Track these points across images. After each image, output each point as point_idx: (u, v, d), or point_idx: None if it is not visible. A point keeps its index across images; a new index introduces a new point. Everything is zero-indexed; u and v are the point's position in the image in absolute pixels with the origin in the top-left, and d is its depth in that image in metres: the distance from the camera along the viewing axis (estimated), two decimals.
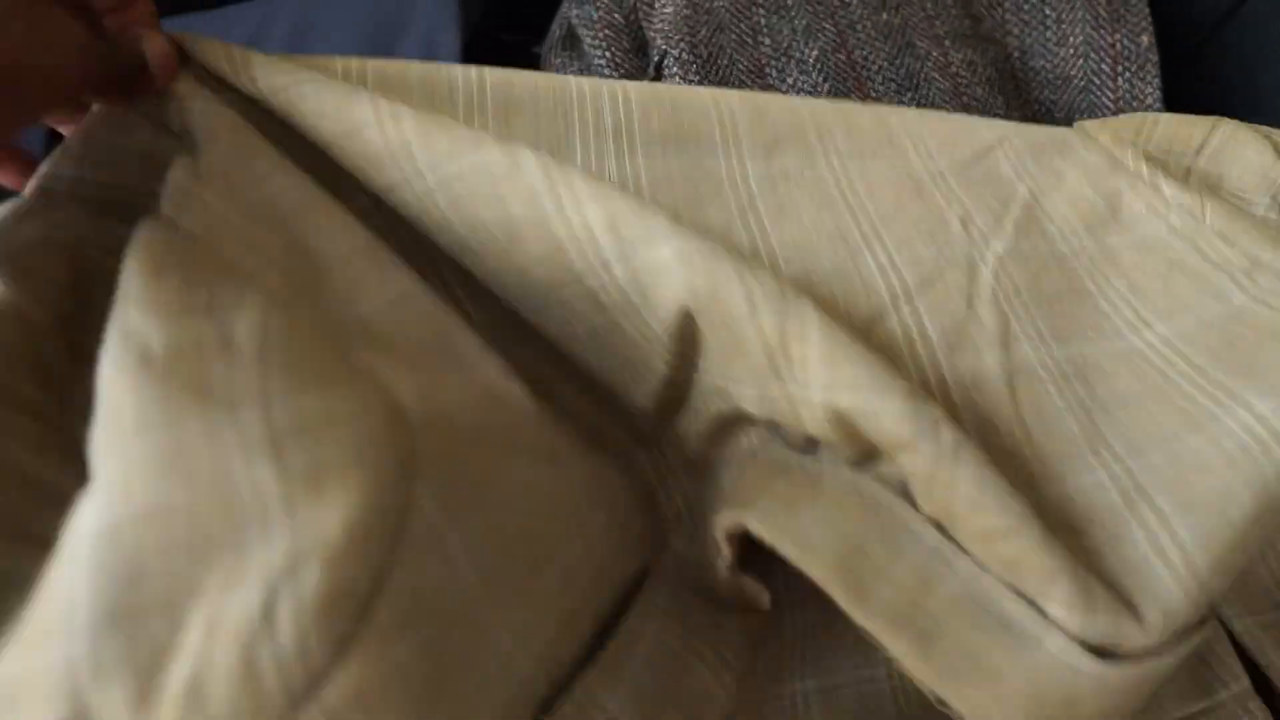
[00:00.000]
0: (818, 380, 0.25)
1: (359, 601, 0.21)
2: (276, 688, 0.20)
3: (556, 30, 0.48)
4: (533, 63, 0.54)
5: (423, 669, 0.22)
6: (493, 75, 0.33)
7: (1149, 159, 0.38)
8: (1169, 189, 0.37)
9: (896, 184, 0.35)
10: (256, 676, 0.20)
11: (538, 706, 0.24)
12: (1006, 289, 0.32)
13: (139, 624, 0.20)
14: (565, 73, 0.48)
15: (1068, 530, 0.26)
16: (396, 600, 0.21)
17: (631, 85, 0.35)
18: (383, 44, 0.47)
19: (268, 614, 0.20)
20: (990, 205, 0.35)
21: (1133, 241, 0.36)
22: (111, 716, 0.19)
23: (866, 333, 0.29)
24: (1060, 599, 0.24)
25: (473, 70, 0.33)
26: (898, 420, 0.24)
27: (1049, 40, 0.46)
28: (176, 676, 0.20)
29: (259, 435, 0.21)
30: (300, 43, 0.49)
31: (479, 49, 0.50)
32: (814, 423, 0.27)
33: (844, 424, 0.26)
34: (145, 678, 0.20)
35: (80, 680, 0.19)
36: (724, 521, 0.26)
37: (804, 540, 0.25)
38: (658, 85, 0.36)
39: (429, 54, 0.47)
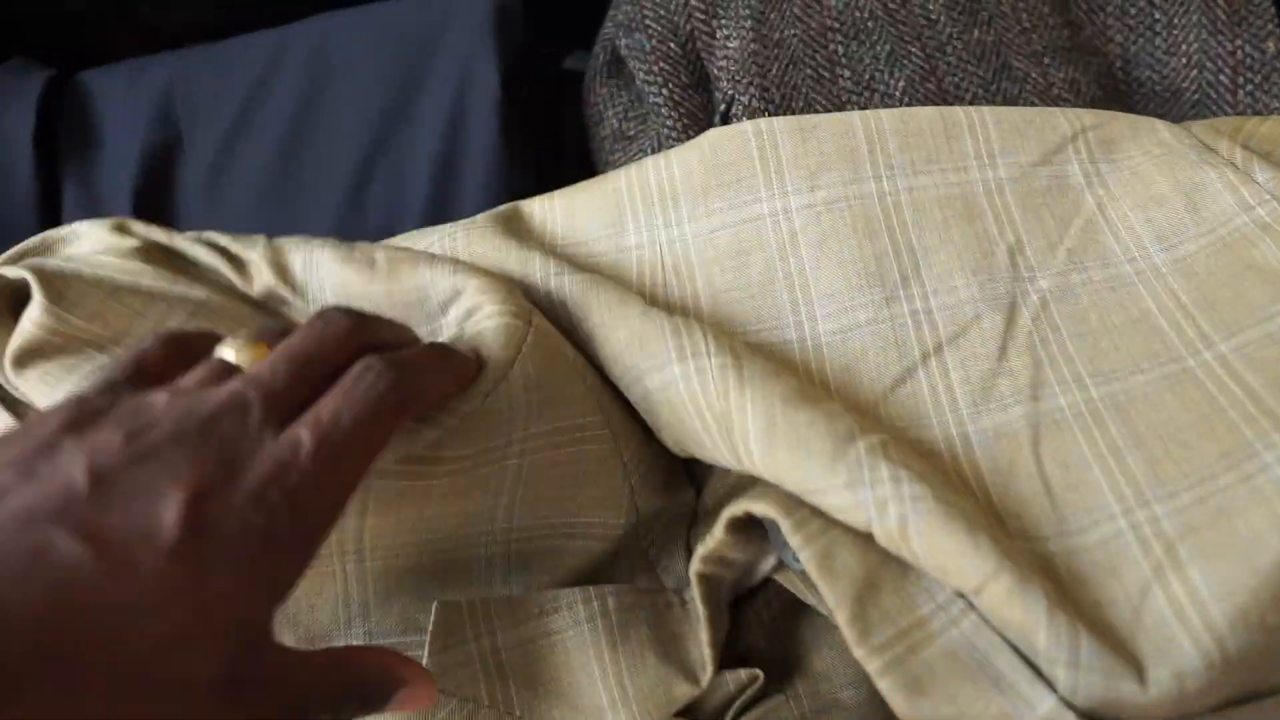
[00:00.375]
0: (770, 476, 0.27)
1: (444, 426, 0.26)
2: None
3: (600, 55, 0.43)
4: (565, 79, 0.49)
5: (448, 490, 0.27)
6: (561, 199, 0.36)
7: (1245, 148, 0.35)
8: (1264, 174, 0.33)
9: (947, 203, 0.34)
10: None
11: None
12: (1045, 332, 0.31)
13: None
14: (614, 103, 0.43)
15: (1078, 584, 0.26)
16: (461, 445, 0.27)
17: (675, 149, 0.36)
18: (411, 77, 0.43)
19: None
20: (1046, 228, 0.34)
21: (1210, 244, 0.33)
22: None
23: (892, 390, 0.31)
24: (1042, 653, 0.24)
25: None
26: (842, 512, 0.26)
27: (1157, 49, 0.41)
28: None
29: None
30: (319, 74, 0.44)
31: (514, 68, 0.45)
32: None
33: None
34: None
35: None
36: (743, 505, 0.27)
37: (829, 557, 0.26)
38: (702, 135, 0.36)
39: (463, 88, 0.42)
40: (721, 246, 0.34)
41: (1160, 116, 0.42)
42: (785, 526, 0.26)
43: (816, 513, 0.27)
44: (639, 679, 0.28)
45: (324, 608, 0.29)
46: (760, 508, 0.27)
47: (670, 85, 0.39)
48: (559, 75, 0.49)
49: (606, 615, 0.30)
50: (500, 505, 0.29)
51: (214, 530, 0.18)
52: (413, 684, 0.22)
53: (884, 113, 0.35)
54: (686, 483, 0.35)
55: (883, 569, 0.26)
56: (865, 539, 0.26)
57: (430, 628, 0.28)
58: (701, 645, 0.29)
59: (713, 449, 0.29)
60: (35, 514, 0.18)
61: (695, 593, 0.29)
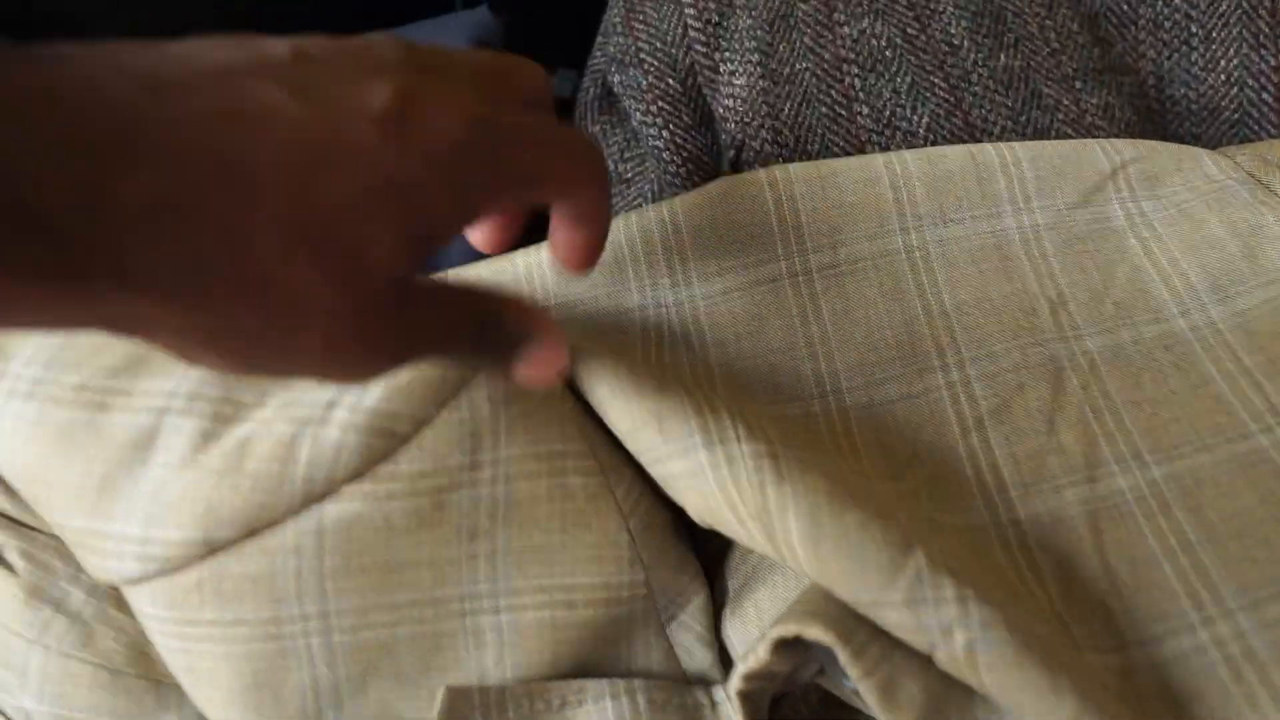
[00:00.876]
0: (817, 579, 0.25)
1: (397, 435, 0.24)
2: (301, 474, 0.24)
3: (590, 89, 0.40)
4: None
5: (412, 518, 0.25)
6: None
7: None
8: None
9: (981, 256, 0.31)
10: (292, 457, 0.24)
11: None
12: (1096, 401, 0.29)
13: (237, 388, 0.25)
14: (607, 142, 0.40)
15: (1158, 704, 0.24)
16: (418, 460, 0.25)
17: (679, 198, 0.33)
18: None
19: (327, 410, 0.24)
20: (1090, 279, 0.31)
21: (1272, 299, 0.30)
22: (175, 446, 0.24)
23: (932, 472, 0.28)
24: None
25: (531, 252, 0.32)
26: (900, 629, 0.23)
27: (1193, 64, 0.38)
28: (235, 434, 0.24)
29: None
30: None
31: None
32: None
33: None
34: (214, 424, 0.25)
35: (161, 405, 0.25)
36: (792, 628, 0.24)
37: (892, 688, 0.23)
38: (710, 184, 0.33)
39: None
40: (736, 311, 0.31)
41: (1197, 136, 0.39)
42: (842, 655, 0.24)
43: (875, 633, 0.24)
44: None
45: (291, 699, 0.25)
46: (814, 632, 0.24)
47: (671, 126, 0.36)
48: None
49: (637, 716, 0.27)
50: (480, 555, 0.26)
51: (421, 124, 0.18)
52: (545, 340, 0.21)
53: (909, 155, 0.32)
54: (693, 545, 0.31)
55: (948, 691, 0.24)
56: (928, 659, 0.24)
57: (435, 716, 0.25)
58: None
59: (749, 540, 0.26)
60: (234, 68, 0.17)
61: (738, 713, 0.26)
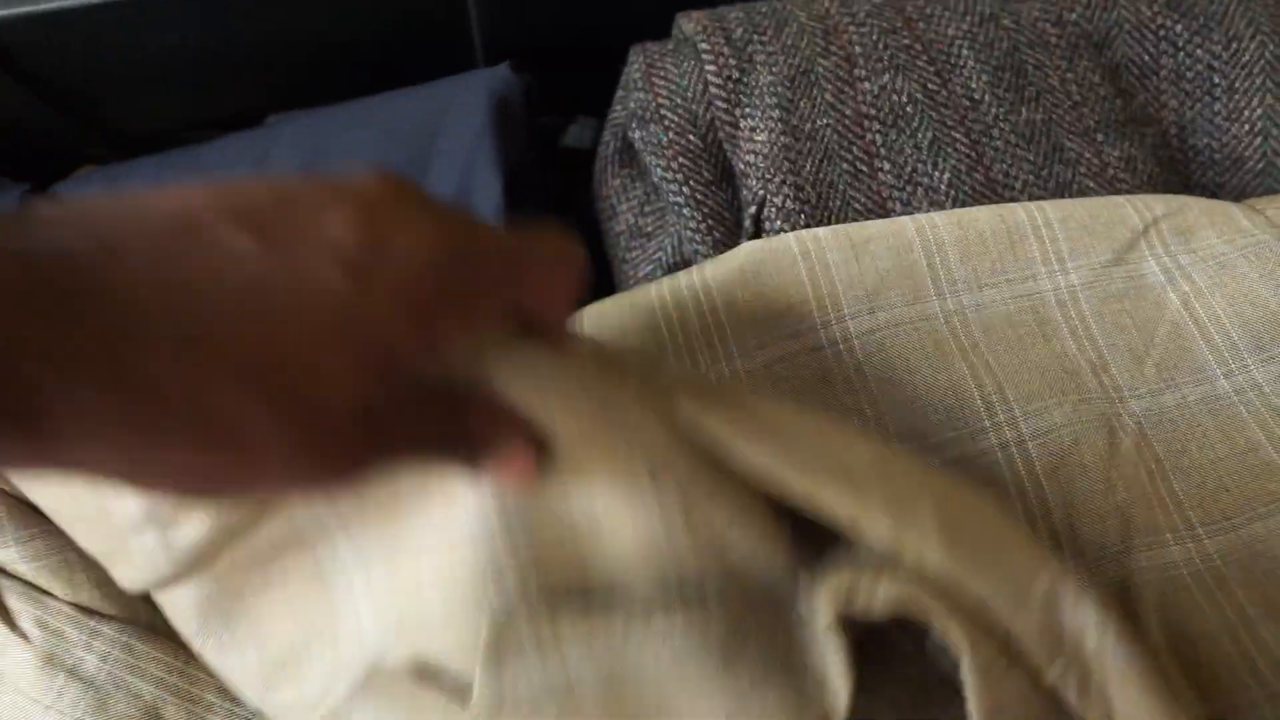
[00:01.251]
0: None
1: None
2: None
3: (610, 143, 0.40)
4: (565, 160, 0.46)
5: None
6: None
7: None
8: None
9: (1018, 320, 0.31)
10: None
11: None
12: (1149, 464, 0.28)
13: None
14: (628, 196, 0.40)
15: None
16: None
17: (709, 267, 0.32)
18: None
19: None
20: (1130, 339, 0.31)
21: None
22: None
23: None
24: None
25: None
26: (1030, 637, 0.22)
27: (1216, 114, 0.38)
28: None
29: None
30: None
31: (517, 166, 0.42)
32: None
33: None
34: None
35: None
36: (923, 602, 0.21)
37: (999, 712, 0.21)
38: (738, 252, 0.32)
39: (464, 194, 0.39)
40: (779, 383, 0.30)
41: (1220, 185, 0.39)
42: (966, 664, 0.22)
43: (1000, 650, 0.22)
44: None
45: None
46: (955, 634, 0.21)
47: (692, 182, 0.36)
48: (563, 157, 0.46)
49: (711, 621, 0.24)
50: None
51: (384, 257, 0.18)
52: (510, 446, 0.21)
53: (939, 219, 0.32)
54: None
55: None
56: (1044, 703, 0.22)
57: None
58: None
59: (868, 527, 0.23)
60: (197, 217, 0.17)
61: (832, 631, 0.23)
